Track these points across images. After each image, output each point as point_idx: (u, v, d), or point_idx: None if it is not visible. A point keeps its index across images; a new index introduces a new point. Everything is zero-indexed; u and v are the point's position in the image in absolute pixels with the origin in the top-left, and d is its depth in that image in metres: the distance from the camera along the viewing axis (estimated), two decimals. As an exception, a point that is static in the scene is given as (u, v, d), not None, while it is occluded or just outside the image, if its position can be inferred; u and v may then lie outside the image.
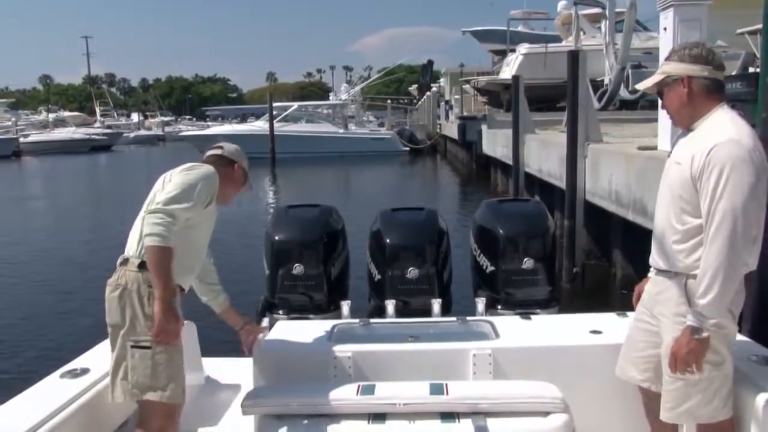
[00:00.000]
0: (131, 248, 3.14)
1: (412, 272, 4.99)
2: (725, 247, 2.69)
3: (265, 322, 4.07)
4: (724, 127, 2.81)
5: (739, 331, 3.90)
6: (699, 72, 2.89)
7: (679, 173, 2.87)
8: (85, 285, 10.85)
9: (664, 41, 9.12)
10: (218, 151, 3.54)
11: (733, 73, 14.32)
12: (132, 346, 3.03)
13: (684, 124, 3.02)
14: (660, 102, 3.14)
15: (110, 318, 3.10)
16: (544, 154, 14.16)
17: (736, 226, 2.68)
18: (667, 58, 3.02)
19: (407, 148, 44.41)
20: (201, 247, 3.39)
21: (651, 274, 3.24)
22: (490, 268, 5.01)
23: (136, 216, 3.26)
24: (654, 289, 3.13)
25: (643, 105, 19.76)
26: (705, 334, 2.76)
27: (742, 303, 2.94)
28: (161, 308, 2.98)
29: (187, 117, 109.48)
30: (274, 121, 40.77)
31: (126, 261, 3.13)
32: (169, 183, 3.17)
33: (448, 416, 2.90)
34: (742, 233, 2.70)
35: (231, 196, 3.57)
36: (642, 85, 3.22)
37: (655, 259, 3.09)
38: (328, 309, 5.12)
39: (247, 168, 3.61)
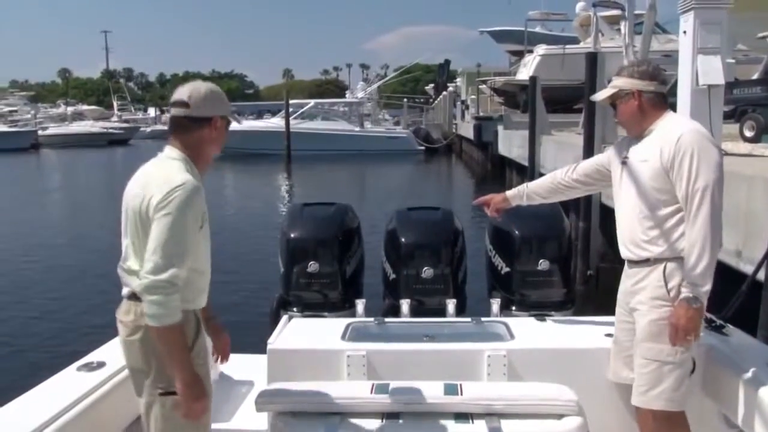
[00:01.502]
0: (136, 282, 2.61)
1: (427, 272, 4.97)
2: (708, 219, 2.97)
3: (285, 318, 4.05)
4: (682, 122, 3.24)
5: (755, 337, 3.90)
6: (647, 87, 3.23)
7: (648, 168, 3.15)
8: (103, 278, 10.92)
9: (684, 44, 9.06)
10: (183, 111, 2.71)
11: (755, 77, 14.21)
12: (161, 393, 2.67)
13: (635, 132, 3.33)
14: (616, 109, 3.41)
15: (132, 363, 2.73)
16: (560, 155, 14.12)
17: (714, 200, 2.98)
18: (618, 74, 3.35)
19: (423, 148, 44.33)
20: (208, 254, 2.84)
21: (509, 192, 3.86)
22: (505, 269, 4.99)
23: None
24: (629, 281, 3.34)
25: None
26: (700, 303, 3.02)
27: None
28: (184, 389, 2.59)
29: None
30: (291, 119, 40.86)
31: (139, 297, 2.60)
32: (152, 231, 2.54)
33: (461, 417, 2.89)
34: (719, 206, 3.00)
35: (213, 154, 2.90)
36: (596, 97, 3.60)
37: (631, 251, 3.28)
38: (343, 307, 5.11)
39: (228, 105, 2.89)
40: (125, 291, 2.72)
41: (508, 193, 3.95)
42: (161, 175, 2.62)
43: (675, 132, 3.09)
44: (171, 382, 2.63)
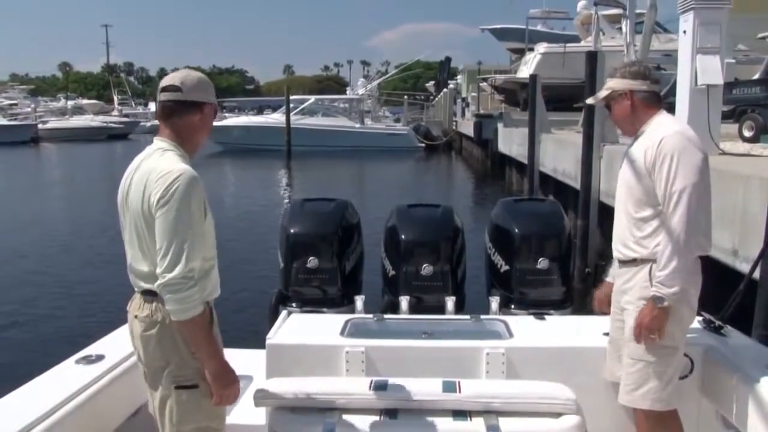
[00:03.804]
0: (149, 280, 2.61)
1: (427, 269, 4.98)
2: (681, 221, 3.00)
3: (284, 314, 4.06)
4: (668, 124, 3.22)
5: (750, 336, 3.91)
6: (639, 86, 3.27)
7: (634, 168, 3.20)
8: (102, 271, 10.96)
9: (683, 44, 9.08)
10: (175, 95, 2.68)
11: (755, 77, 14.22)
12: (176, 387, 2.65)
13: (630, 132, 3.37)
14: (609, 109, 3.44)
15: (148, 358, 2.69)
16: (559, 153, 14.13)
17: (690, 203, 3.00)
18: (611, 75, 3.39)
19: (423, 145, 44.33)
20: (214, 242, 2.80)
21: (608, 278, 3.64)
22: (505, 267, 5.00)
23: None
24: (619, 281, 3.39)
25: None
26: (666, 303, 3.05)
27: (699, 289, 3.21)
28: (214, 378, 2.62)
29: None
30: (291, 114, 40.86)
31: (153, 294, 2.62)
32: (157, 228, 2.52)
33: (460, 414, 2.89)
34: (695, 209, 3.01)
35: (201, 142, 2.84)
36: (591, 100, 3.64)
37: (620, 251, 3.34)
38: (342, 303, 5.11)
39: (215, 95, 2.83)
40: (137, 288, 2.71)
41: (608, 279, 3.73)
42: (157, 170, 2.56)
43: (659, 134, 3.12)
44: (187, 377, 2.65)
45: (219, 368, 2.64)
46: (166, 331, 2.61)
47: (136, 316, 2.69)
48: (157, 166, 2.58)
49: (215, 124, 3.11)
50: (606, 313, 3.67)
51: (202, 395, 2.66)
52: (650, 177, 3.11)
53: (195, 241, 2.53)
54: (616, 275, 3.45)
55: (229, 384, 2.67)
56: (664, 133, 3.11)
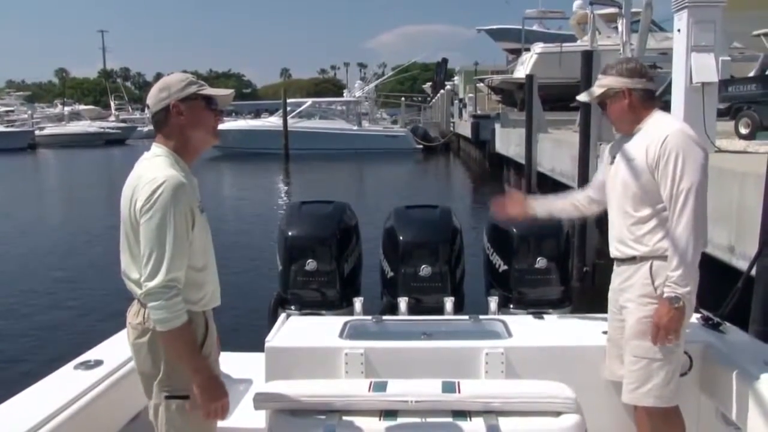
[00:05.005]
0: (140, 287, 2.55)
1: (425, 270, 4.98)
2: (691, 220, 3.01)
3: (283, 316, 4.05)
4: (669, 122, 3.24)
5: (747, 332, 3.92)
6: (636, 84, 3.24)
7: (634, 167, 3.17)
8: (100, 277, 10.95)
9: (678, 42, 9.10)
10: (148, 112, 2.75)
11: (751, 74, 14.24)
12: (167, 397, 2.62)
13: (626, 130, 3.34)
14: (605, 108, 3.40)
15: (140, 365, 2.68)
16: (556, 153, 14.15)
17: (698, 201, 3.02)
18: (605, 73, 3.34)
19: (420, 146, 44.29)
20: (208, 248, 2.74)
21: (535, 202, 3.77)
22: (503, 267, 5.00)
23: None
24: (618, 279, 3.38)
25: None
26: (682, 303, 3.04)
27: (697, 286, 3.15)
28: (201, 391, 2.56)
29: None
30: (288, 118, 40.86)
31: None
32: (141, 236, 2.50)
33: (459, 414, 2.90)
34: (702, 207, 3.05)
35: (201, 139, 2.74)
36: (584, 97, 3.49)
37: (618, 249, 3.33)
38: (341, 305, 5.11)
39: (180, 87, 2.67)
40: (134, 295, 2.68)
41: (531, 200, 3.84)
42: (145, 176, 2.54)
43: (661, 132, 3.10)
44: (177, 387, 2.60)
45: (206, 381, 2.57)
46: (157, 340, 2.57)
47: (130, 323, 2.68)
48: (145, 172, 2.56)
49: None
50: (497, 214, 3.98)
51: (192, 406, 2.62)
52: (652, 175, 3.09)
53: (178, 250, 2.48)
54: (614, 274, 3.43)
55: (217, 398, 2.60)
56: (667, 130, 3.10)
